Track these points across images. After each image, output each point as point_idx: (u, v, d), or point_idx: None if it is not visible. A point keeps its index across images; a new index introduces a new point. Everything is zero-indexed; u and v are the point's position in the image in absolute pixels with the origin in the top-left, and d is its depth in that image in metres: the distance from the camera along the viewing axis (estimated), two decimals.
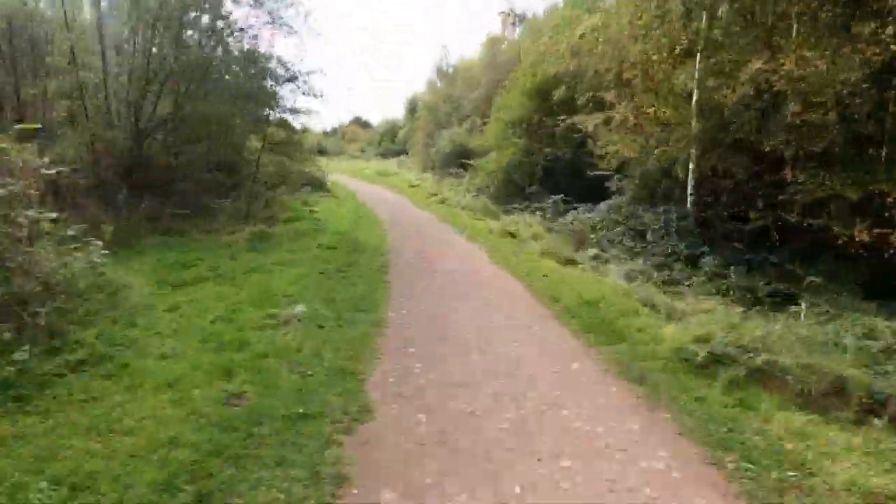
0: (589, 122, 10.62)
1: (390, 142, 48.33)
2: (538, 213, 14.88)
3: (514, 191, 16.76)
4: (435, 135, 28.93)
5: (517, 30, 22.65)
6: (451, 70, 35.33)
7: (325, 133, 65.11)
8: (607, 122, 10.38)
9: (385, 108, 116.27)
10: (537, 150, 16.38)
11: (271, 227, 10.98)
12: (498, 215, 15.80)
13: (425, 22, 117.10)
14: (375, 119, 61.07)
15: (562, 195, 14.77)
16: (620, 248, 10.36)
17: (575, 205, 14.24)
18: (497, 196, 17.17)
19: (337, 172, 32.46)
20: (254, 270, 7.82)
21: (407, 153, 39.02)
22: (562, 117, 11.50)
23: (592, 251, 10.59)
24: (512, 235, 12.63)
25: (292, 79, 11.68)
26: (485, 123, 24.41)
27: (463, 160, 23.83)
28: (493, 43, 25.42)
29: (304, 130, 14.72)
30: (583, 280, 8.28)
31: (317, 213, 13.87)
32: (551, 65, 12.72)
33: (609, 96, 10.44)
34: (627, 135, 10.08)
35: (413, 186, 23.69)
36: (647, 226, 10.22)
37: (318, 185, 18.89)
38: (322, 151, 54.83)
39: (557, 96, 15.36)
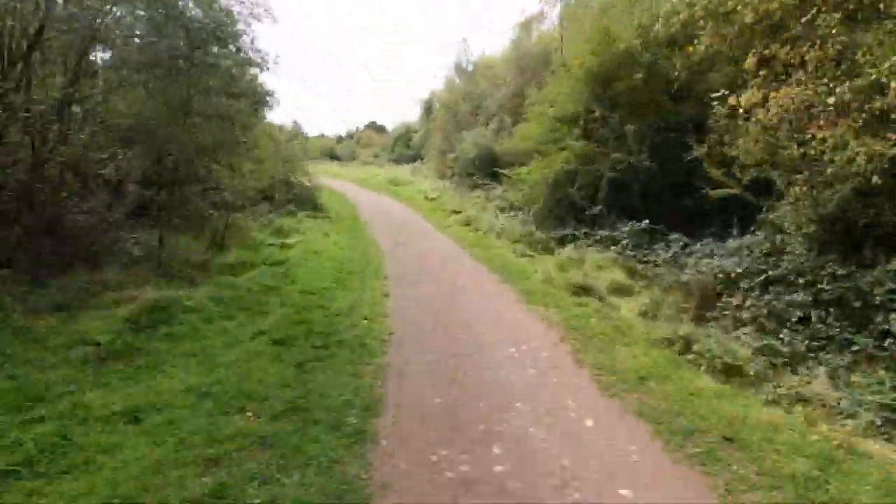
0: (752, 100, 5.54)
1: (404, 147, 43.67)
2: (611, 246, 9.98)
3: (566, 211, 11.82)
4: (453, 138, 24.10)
5: (557, 7, 17.74)
6: (471, 67, 30.61)
7: (340, 138, 61.52)
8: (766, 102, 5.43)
9: (394, 111, 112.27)
10: (600, 157, 11.46)
11: (193, 287, 6.23)
12: (550, 247, 10.95)
13: (425, 22, 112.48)
14: (392, 123, 56.50)
15: (646, 221, 9.81)
16: (810, 336, 5.40)
17: (671, 236, 9.31)
18: (542, 218, 12.25)
19: (344, 180, 27.97)
20: (35, 461, 3.03)
21: (422, 159, 34.22)
22: (724, 92, 6.21)
23: (750, 337, 5.65)
24: (585, 290, 7.73)
25: (213, 37, 6.76)
26: (516, 123, 19.54)
27: (494, 168, 19.06)
28: (528, 24, 20.45)
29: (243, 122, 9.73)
30: (837, 467, 3.36)
31: (291, 249, 9.10)
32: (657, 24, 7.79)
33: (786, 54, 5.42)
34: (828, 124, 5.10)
35: (429, 200, 18.88)
36: (865, 297, 5.26)
37: (309, 203, 14.06)
38: (333, 157, 50.90)
39: (640, 76, 10.38)
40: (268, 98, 11.28)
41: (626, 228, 9.98)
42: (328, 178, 28.39)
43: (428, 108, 36.14)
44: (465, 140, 20.76)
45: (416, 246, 11.08)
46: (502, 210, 15.22)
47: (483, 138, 20.18)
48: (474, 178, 19.20)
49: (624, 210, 10.91)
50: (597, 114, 11.57)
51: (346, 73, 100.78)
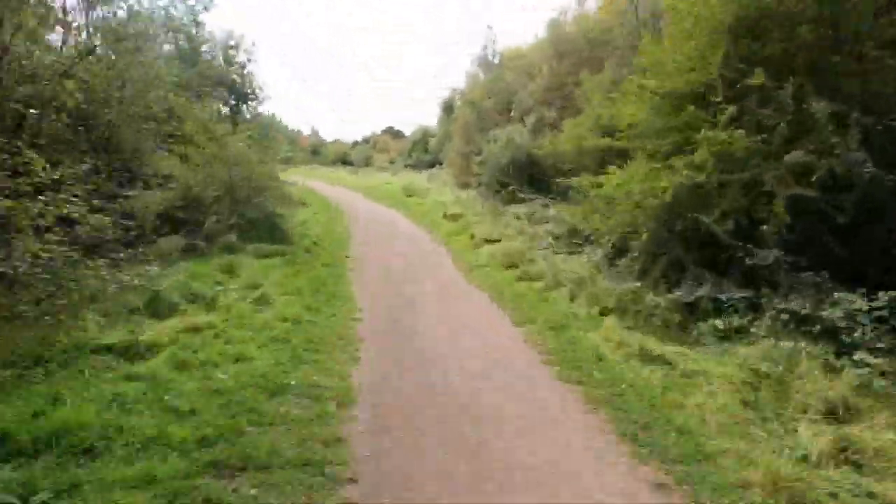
0: None
1: (422, 151, 38.63)
2: (822, 333, 4.63)
3: (691, 252, 6.49)
4: (478, 138, 18.86)
5: None
6: (497, 59, 25.44)
7: (356, 143, 57.22)
8: None
9: (396, 111, 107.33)
10: (762, 159, 6.11)
11: None
12: (679, 324, 5.67)
13: (425, 22, 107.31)
14: (409, 126, 51.81)
15: None
16: None
17: None
18: (648, 264, 6.90)
19: (350, 188, 23.01)
20: None
21: (441, 164, 29.01)
22: None
23: None
24: None
25: None
26: (563, 118, 14.25)
27: (530, 174, 13.92)
28: None
29: None
30: None
31: (144, 364, 3.87)
32: None
33: None
34: None
35: (450, 218, 13.62)
36: None
37: (266, 228, 8.83)
38: (346, 162, 46.30)
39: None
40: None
41: (864, 304, 4.60)
42: (329, 187, 23.43)
43: (448, 109, 30.89)
44: (496, 140, 15.51)
45: (428, 322, 5.86)
46: (557, 238, 9.97)
47: (519, 136, 14.92)
48: (510, 188, 13.97)
49: (816, 257, 5.58)
50: (751, 81, 6.20)
51: (346, 73, 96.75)
